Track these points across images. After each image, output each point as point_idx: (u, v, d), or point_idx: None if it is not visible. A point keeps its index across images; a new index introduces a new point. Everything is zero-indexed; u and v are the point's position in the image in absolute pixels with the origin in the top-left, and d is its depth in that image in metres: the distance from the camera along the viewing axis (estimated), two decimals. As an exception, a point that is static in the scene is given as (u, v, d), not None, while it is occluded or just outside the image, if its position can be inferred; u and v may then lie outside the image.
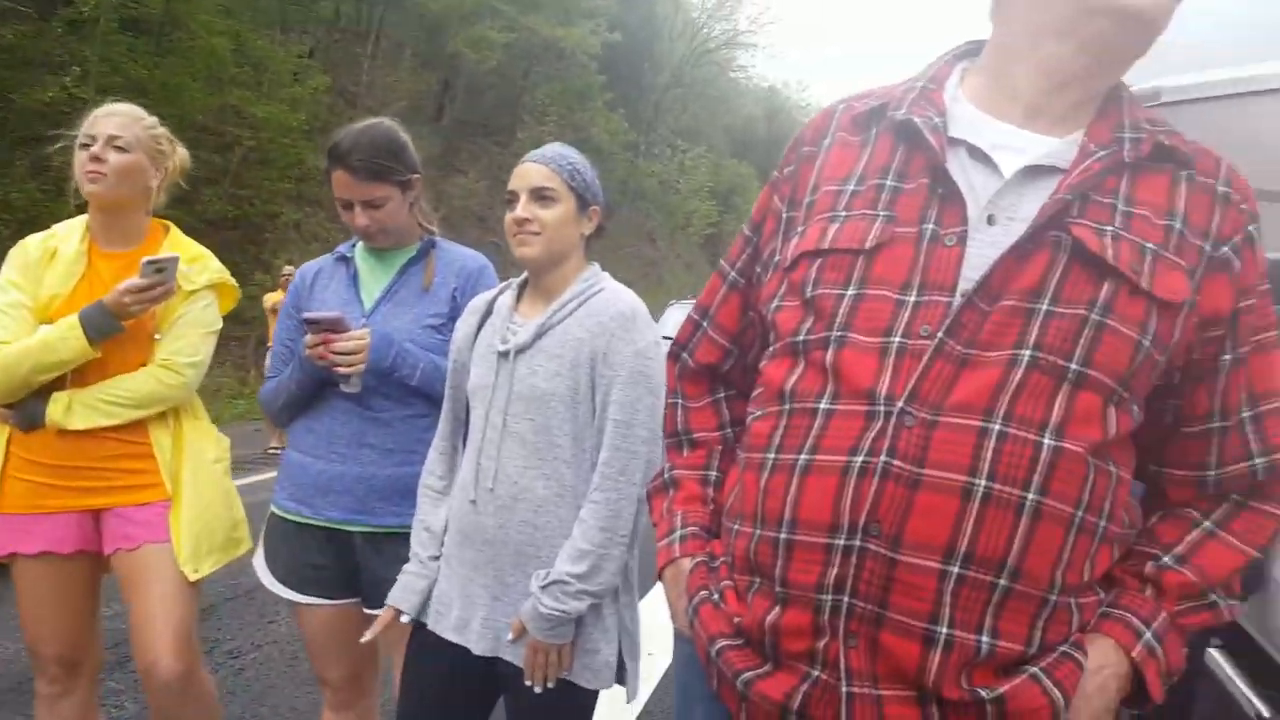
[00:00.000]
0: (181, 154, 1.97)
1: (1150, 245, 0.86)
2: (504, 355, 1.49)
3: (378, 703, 2.01)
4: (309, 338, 1.71)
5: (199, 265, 1.92)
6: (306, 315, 1.73)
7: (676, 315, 11.89)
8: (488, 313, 1.60)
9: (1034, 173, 0.89)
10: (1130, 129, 0.91)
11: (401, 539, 1.69)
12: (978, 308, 0.85)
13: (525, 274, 1.59)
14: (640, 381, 1.44)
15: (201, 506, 1.88)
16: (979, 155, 0.91)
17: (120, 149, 1.78)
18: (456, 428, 1.63)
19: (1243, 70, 4.28)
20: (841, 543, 0.83)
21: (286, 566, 1.82)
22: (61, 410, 1.76)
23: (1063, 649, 0.87)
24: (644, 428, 1.44)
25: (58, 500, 1.81)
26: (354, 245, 1.91)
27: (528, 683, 1.43)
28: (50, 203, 13.52)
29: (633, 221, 32.25)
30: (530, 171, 1.50)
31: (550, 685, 1.43)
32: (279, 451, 8.15)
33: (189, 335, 1.87)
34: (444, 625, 1.51)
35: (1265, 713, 2.10)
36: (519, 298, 1.59)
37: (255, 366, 9.86)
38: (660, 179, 33.03)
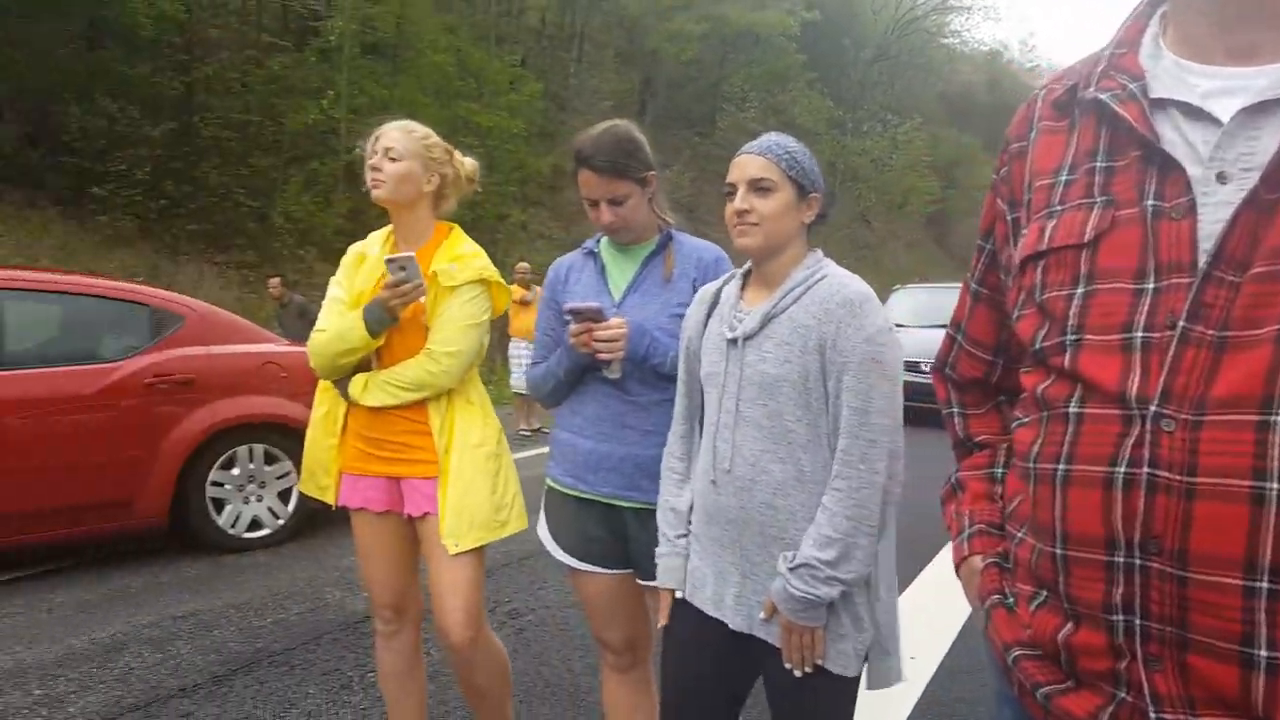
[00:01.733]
0: (468, 164, 2.21)
1: None
2: (733, 343, 1.53)
3: (652, 668, 2.06)
4: (573, 327, 1.82)
5: (461, 263, 2.05)
6: (569, 306, 1.83)
7: (903, 301, 10.99)
8: (715, 301, 1.65)
9: (1263, 110, 0.75)
10: None
11: None
12: (1223, 281, 0.74)
13: (749, 263, 1.62)
14: (873, 369, 1.41)
15: (462, 486, 2.02)
16: (1192, 110, 0.80)
17: (394, 159, 2.05)
18: (692, 411, 1.69)
19: None
20: (1121, 560, 0.77)
21: (569, 536, 1.95)
22: (359, 389, 2.03)
23: None
24: (883, 415, 1.41)
25: (371, 466, 2.09)
26: (599, 240, 2.01)
27: (787, 665, 1.45)
28: (320, 212, 15.35)
29: (844, 203, 31.18)
30: (747, 163, 1.53)
31: (808, 670, 1.44)
32: (529, 433, 8.64)
33: (448, 328, 2.02)
34: (700, 598, 1.57)
35: None
36: (743, 286, 1.63)
37: (500, 355, 10.62)
38: (871, 157, 31.53)
